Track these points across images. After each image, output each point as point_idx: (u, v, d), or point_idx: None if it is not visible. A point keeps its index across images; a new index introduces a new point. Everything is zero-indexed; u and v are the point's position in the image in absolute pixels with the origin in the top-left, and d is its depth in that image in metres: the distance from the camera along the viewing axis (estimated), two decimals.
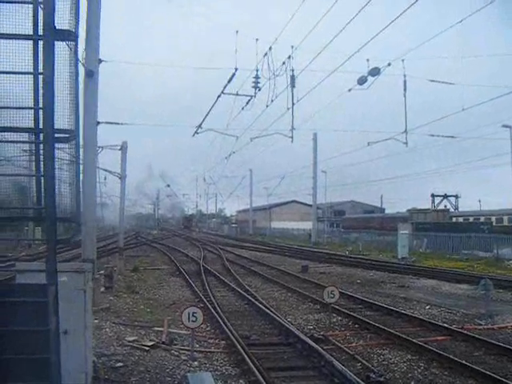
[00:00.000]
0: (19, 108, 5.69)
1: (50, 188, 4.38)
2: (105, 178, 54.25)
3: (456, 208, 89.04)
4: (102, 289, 22.16)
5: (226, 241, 75.37)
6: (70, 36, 5.39)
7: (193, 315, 12.80)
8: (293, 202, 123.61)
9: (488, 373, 11.26)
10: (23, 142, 5.78)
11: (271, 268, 35.67)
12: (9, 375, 6.07)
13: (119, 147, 31.71)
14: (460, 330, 15.81)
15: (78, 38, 5.50)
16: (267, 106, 25.62)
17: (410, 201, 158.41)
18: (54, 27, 4.95)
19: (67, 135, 5.44)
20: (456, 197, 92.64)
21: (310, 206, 76.54)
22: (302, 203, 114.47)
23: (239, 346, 13.17)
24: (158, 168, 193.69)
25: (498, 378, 10.91)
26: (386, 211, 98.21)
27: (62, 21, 5.52)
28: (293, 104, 26.11)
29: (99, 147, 28.06)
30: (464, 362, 12.15)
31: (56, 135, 5.20)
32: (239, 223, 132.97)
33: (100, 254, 35.29)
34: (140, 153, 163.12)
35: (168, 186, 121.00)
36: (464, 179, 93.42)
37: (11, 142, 5.83)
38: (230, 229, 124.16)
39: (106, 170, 34.83)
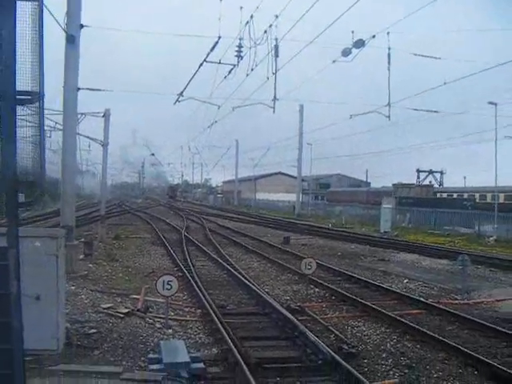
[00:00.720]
0: None
1: (10, 150, 4.32)
2: (89, 146, 54.27)
3: (441, 184, 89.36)
4: (82, 256, 22.15)
5: (210, 211, 75.36)
6: None
7: (168, 283, 12.76)
8: (278, 173, 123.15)
9: (459, 346, 11.38)
10: None
11: (253, 239, 35.74)
12: None
13: (102, 114, 31.52)
14: (435, 305, 15.96)
15: None
16: (247, 75, 25.37)
17: (396, 175, 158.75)
18: None
19: (29, 97, 5.34)
20: (441, 173, 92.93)
21: (296, 178, 76.41)
22: (287, 175, 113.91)
23: (214, 315, 13.19)
24: (142, 136, 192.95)
25: (469, 352, 11.03)
26: (372, 185, 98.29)
27: None
28: (275, 73, 25.84)
29: (81, 114, 27.89)
30: (436, 335, 12.26)
31: (18, 97, 5.10)
32: (225, 194, 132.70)
33: (82, 221, 35.33)
34: (123, 121, 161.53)
35: (152, 154, 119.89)
36: (449, 155, 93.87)
37: None
38: (215, 199, 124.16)
39: (87, 137, 34.67)
